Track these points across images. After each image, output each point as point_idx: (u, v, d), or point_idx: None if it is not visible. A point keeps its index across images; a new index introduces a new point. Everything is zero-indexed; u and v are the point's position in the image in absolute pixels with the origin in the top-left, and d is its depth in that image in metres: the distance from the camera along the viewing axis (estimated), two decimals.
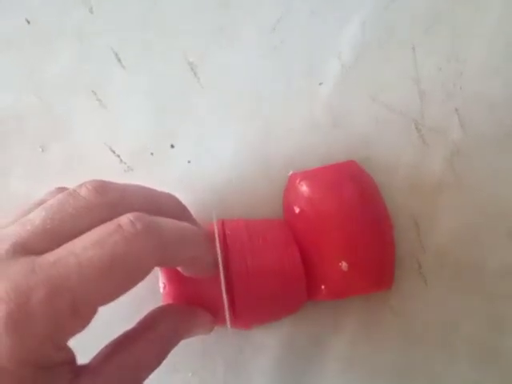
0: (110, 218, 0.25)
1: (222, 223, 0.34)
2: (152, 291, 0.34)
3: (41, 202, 0.27)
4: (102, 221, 0.25)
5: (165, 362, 0.29)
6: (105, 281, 0.24)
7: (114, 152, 0.38)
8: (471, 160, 0.37)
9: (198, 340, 0.34)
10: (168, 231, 0.26)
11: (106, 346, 0.28)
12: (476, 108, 0.37)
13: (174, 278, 0.32)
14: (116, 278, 0.24)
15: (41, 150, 0.38)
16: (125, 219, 0.25)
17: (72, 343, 0.25)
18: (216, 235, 0.31)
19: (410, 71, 0.38)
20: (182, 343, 0.31)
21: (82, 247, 0.24)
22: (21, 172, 0.38)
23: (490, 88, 0.37)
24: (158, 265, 0.26)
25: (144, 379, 0.28)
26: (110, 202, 0.26)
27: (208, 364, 0.36)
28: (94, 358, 0.28)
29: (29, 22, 0.39)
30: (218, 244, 0.31)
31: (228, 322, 0.32)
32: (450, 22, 0.38)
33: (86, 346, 0.26)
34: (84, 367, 0.27)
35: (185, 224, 0.28)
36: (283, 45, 0.38)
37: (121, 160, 0.38)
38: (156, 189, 0.30)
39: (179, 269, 0.31)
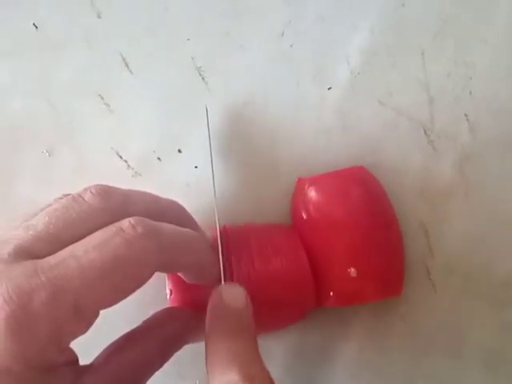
0: (113, 223, 0.25)
1: (230, 229, 0.34)
2: (158, 298, 0.34)
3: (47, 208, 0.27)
4: (105, 225, 0.25)
5: (171, 368, 0.29)
6: (106, 283, 0.24)
7: (121, 157, 0.38)
8: (481, 165, 0.37)
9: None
10: (169, 235, 0.26)
11: (109, 346, 0.29)
12: (485, 113, 0.37)
13: (181, 285, 0.32)
14: (117, 280, 0.24)
15: (48, 154, 0.38)
16: (126, 223, 0.25)
17: (78, 347, 0.25)
18: (218, 240, 0.31)
19: (419, 76, 0.37)
20: (189, 350, 0.31)
21: (84, 250, 0.24)
22: (28, 176, 0.38)
23: (499, 93, 0.37)
24: (159, 269, 0.26)
25: (146, 379, 0.28)
26: (112, 206, 0.26)
27: None
28: (97, 358, 0.28)
29: (37, 28, 0.40)
30: (220, 249, 0.31)
31: None
32: (458, 27, 0.38)
33: (90, 349, 0.27)
34: (87, 367, 0.27)
35: (186, 229, 0.28)
36: (292, 49, 0.38)
37: (128, 165, 0.38)
38: (160, 195, 0.30)
39: (181, 275, 0.31)
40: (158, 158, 0.38)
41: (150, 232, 0.25)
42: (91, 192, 0.26)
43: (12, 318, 0.22)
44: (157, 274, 0.26)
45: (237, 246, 0.33)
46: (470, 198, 0.36)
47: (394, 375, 0.35)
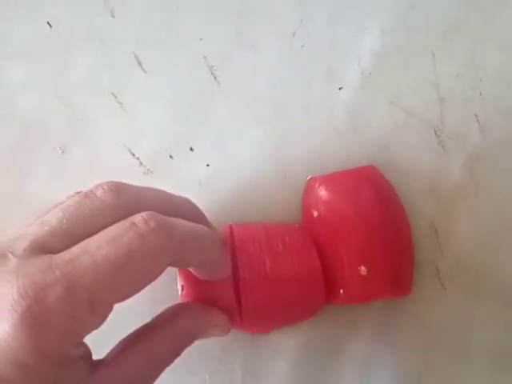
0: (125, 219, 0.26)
1: (241, 227, 0.34)
2: (169, 293, 0.34)
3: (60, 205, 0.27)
4: (117, 221, 0.26)
5: (182, 364, 0.30)
6: (119, 277, 0.24)
7: (133, 155, 0.38)
8: (490, 166, 0.37)
9: (215, 343, 0.34)
10: (181, 230, 0.26)
11: (121, 341, 0.29)
12: (495, 114, 0.37)
13: (192, 281, 0.32)
14: (130, 274, 0.24)
15: (61, 151, 0.39)
16: (138, 217, 0.25)
17: (90, 342, 0.26)
18: (234, 237, 0.32)
19: (430, 77, 0.38)
20: (199, 346, 0.31)
21: (97, 245, 0.24)
22: (41, 174, 0.39)
23: (509, 94, 0.37)
24: (171, 263, 0.26)
25: (158, 374, 0.28)
26: (125, 203, 0.27)
27: (225, 367, 0.36)
28: (110, 353, 0.28)
29: (51, 26, 0.40)
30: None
31: (237, 325, 0.32)
32: (468, 29, 0.38)
33: (103, 345, 0.27)
34: (99, 362, 0.27)
35: (199, 225, 0.29)
36: (303, 49, 0.38)
37: (140, 163, 0.38)
38: (172, 192, 0.30)
39: (192, 271, 0.31)
40: (170, 156, 0.38)
41: (162, 227, 0.25)
42: (103, 188, 0.27)
43: (28, 313, 0.22)
44: (168, 270, 0.26)
45: (248, 244, 0.33)
46: (480, 197, 0.36)
47: (402, 374, 0.35)
